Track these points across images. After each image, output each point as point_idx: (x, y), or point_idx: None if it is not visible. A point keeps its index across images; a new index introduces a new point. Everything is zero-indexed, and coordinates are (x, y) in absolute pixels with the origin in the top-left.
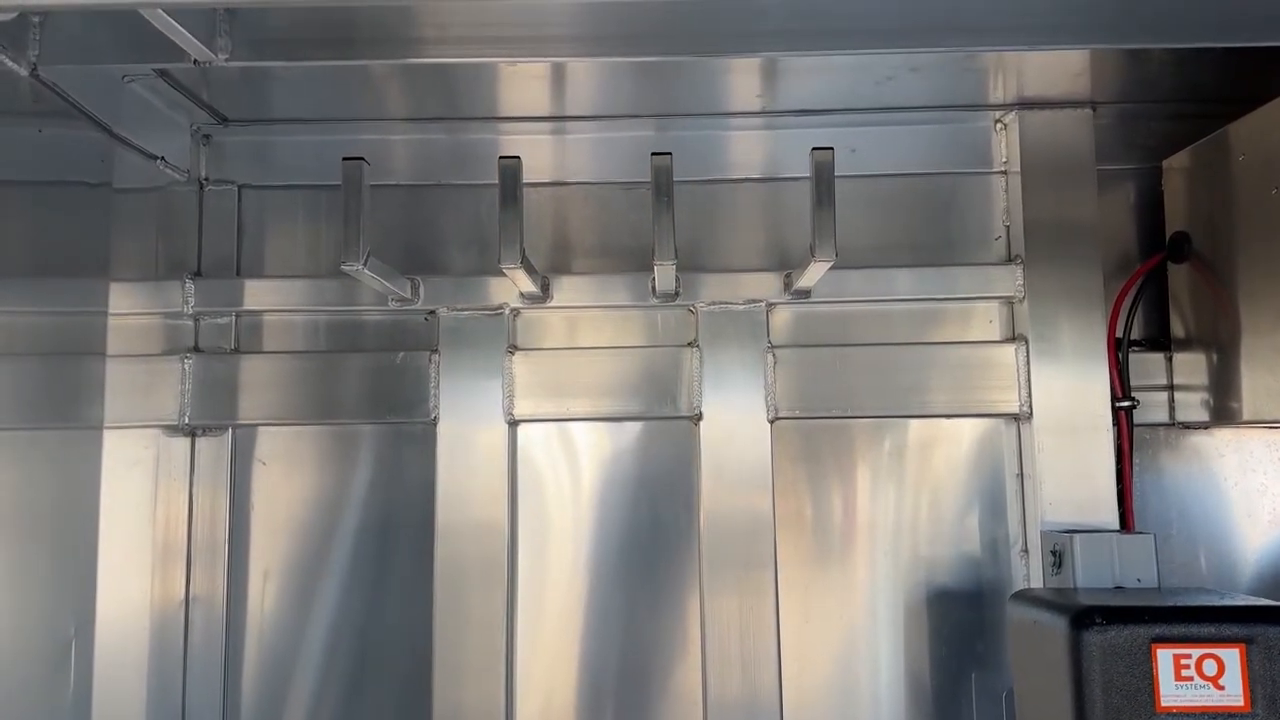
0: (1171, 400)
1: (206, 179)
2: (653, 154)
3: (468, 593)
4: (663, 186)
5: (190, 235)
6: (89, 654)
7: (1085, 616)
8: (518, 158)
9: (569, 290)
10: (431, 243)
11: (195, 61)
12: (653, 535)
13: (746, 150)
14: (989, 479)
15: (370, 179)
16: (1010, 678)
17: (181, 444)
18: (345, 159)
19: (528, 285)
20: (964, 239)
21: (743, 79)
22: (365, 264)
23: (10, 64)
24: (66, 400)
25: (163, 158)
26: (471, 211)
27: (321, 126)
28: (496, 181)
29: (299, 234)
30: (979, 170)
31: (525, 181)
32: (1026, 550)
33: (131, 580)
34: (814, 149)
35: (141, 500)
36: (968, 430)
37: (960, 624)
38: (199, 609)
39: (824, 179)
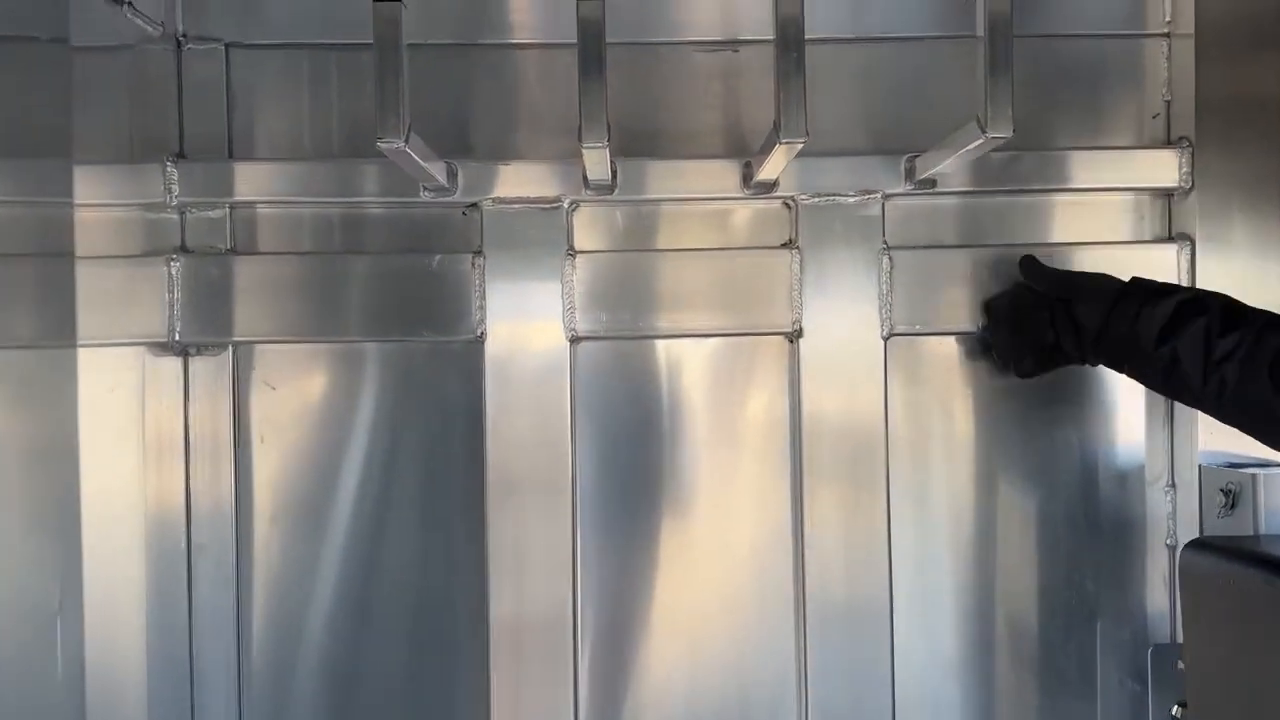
0: None
1: (185, 35)
2: (776, 3)
3: (526, 528)
4: (791, 41)
5: (170, 107)
6: (77, 621)
7: None
8: (600, 2)
9: (639, 178)
10: (461, 119)
11: None
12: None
13: (836, 6)
14: (1125, 407)
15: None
16: (1153, 633)
17: (172, 364)
18: (376, 1)
19: (602, 172)
20: (1114, 118)
21: None
22: (408, 140)
23: None
24: (30, 313)
25: (129, 2)
26: (509, 78)
27: None
28: (534, 41)
29: (303, 106)
30: (1133, 33)
31: (565, 40)
32: (1174, 486)
33: (119, 528)
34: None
35: (126, 431)
36: None
37: (1079, 568)
38: (204, 559)
39: (999, 37)
